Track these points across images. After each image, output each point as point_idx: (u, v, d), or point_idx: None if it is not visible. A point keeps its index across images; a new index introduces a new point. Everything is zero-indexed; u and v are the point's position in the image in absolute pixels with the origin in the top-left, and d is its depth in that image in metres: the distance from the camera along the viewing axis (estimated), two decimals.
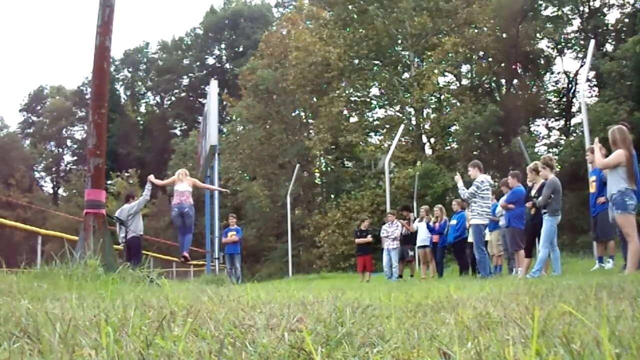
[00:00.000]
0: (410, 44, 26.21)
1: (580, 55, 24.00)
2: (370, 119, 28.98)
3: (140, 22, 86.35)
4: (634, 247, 5.43)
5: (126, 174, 37.49)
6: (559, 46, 25.17)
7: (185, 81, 50.43)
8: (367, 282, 9.70)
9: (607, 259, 7.64)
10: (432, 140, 27.04)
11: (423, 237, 11.31)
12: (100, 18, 5.44)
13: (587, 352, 1.03)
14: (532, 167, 7.69)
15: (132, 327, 1.36)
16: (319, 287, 6.57)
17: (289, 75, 27.37)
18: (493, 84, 27.32)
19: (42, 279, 3.55)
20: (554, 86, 26.73)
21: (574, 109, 25.29)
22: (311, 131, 29.03)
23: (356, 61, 27.55)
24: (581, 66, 23.73)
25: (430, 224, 11.28)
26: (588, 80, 19.44)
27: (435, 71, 25.35)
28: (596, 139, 6.63)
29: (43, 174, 50.89)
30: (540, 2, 23.79)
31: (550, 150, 25.31)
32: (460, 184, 7.89)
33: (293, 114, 31.01)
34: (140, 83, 51.88)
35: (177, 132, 48.44)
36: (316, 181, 32.00)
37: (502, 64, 25.34)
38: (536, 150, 23.31)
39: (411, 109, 26.51)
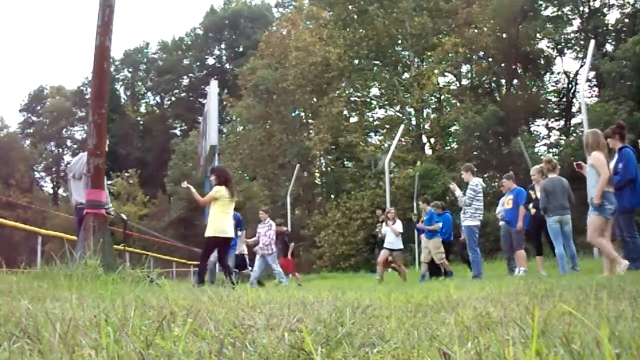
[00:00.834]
0: (410, 44, 26.22)
1: (580, 55, 24.03)
2: (370, 119, 29.00)
3: (140, 22, 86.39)
4: (605, 251, 5.59)
5: (126, 174, 37.49)
6: (559, 46, 25.19)
7: (185, 81, 50.42)
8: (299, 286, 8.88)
9: None
10: (432, 140, 27.04)
11: (390, 239, 10.65)
12: (100, 18, 5.44)
13: (587, 352, 1.03)
14: (539, 169, 7.89)
15: (132, 327, 1.36)
16: (319, 287, 6.57)
17: (289, 75, 27.37)
18: (493, 84, 27.33)
19: (42, 279, 3.55)
20: (554, 86, 26.78)
21: (574, 109, 25.31)
22: (311, 131, 29.03)
23: (356, 61, 27.56)
24: (581, 66, 23.74)
25: (419, 225, 10.95)
26: (588, 80, 19.45)
27: (435, 71, 25.37)
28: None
29: (43, 174, 50.89)
30: (540, 2, 23.81)
31: (550, 150, 25.34)
32: (457, 192, 8.05)
33: (293, 114, 31.01)
34: (140, 83, 51.87)
35: (177, 132, 48.43)
36: (316, 181, 32.01)
37: (502, 64, 25.35)
38: (536, 150, 23.34)
39: (411, 109, 26.51)
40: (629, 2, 22.60)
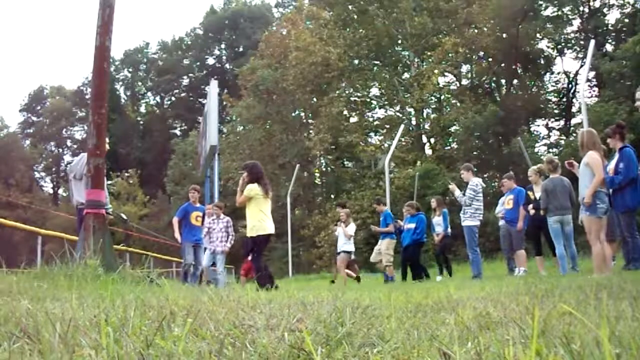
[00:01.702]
0: (410, 44, 26.22)
1: (580, 55, 24.03)
2: (370, 119, 29.00)
3: (140, 22, 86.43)
4: (596, 251, 5.52)
5: (126, 174, 37.50)
6: (559, 46, 25.20)
7: (185, 81, 50.43)
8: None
9: None
10: (432, 140, 27.04)
11: (342, 242, 10.23)
12: (100, 18, 5.44)
13: (587, 352, 1.03)
14: (537, 170, 7.91)
15: (132, 327, 1.36)
16: (319, 287, 6.57)
17: (289, 76, 27.37)
18: (493, 84, 27.33)
19: (42, 279, 3.55)
20: (554, 86, 26.78)
21: (574, 109, 25.32)
22: (311, 131, 29.03)
23: (356, 61, 27.57)
24: (581, 66, 23.75)
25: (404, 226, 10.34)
26: (588, 80, 19.45)
27: (435, 71, 25.36)
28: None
29: (43, 174, 50.90)
30: (540, 2, 23.81)
31: (550, 150, 25.33)
32: (457, 192, 8.08)
33: (293, 114, 31.01)
34: (140, 83, 51.87)
35: (177, 132, 48.44)
36: (316, 181, 32.01)
37: (502, 64, 25.36)
38: (536, 150, 23.33)
39: (411, 109, 26.51)
40: (629, 2, 22.61)
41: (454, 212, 11.75)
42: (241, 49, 46.15)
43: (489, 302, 2.21)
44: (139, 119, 50.10)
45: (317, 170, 31.45)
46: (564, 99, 26.19)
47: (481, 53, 26.18)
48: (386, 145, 24.76)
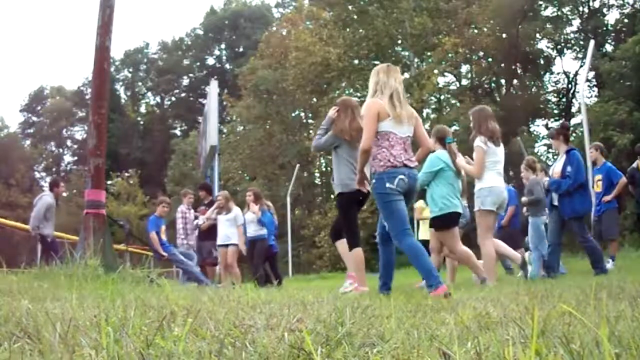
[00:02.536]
0: (410, 44, 26.20)
1: (580, 55, 24.01)
2: None
3: (140, 22, 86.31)
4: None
5: (126, 174, 37.48)
6: (559, 46, 25.18)
7: (186, 81, 50.41)
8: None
9: (607, 259, 7.66)
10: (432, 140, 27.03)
11: (224, 233, 8.29)
12: (101, 18, 5.45)
13: (587, 352, 1.03)
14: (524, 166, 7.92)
15: (132, 327, 1.36)
16: (319, 287, 6.56)
17: (289, 76, 27.36)
18: (493, 84, 27.32)
19: (43, 279, 3.56)
20: (553, 86, 26.76)
21: (573, 109, 25.30)
22: (311, 131, 29.01)
23: (356, 61, 27.54)
24: (581, 66, 23.74)
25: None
26: (588, 80, 19.44)
27: (435, 71, 25.34)
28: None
29: (43, 174, 50.80)
30: (540, 3, 23.80)
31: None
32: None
33: (293, 115, 30.98)
34: (140, 83, 51.84)
35: (177, 132, 48.42)
36: (316, 181, 31.99)
37: (502, 64, 25.35)
38: (536, 150, 23.33)
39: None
40: (628, 2, 22.59)
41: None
42: (241, 49, 46.14)
43: (489, 302, 2.21)
44: (139, 119, 50.08)
45: (317, 171, 31.44)
46: (564, 99, 26.19)
47: (481, 53, 26.16)
48: None
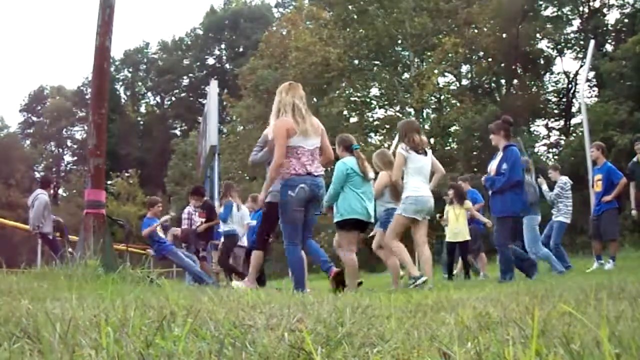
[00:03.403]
0: (410, 44, 26.20)
1: (580, 55, 24.00)
2: (370, 119, 28.98)
3: (140, 22, 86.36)
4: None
5: (126, 174, 37.49)
6: (559, 46, 25.18)
7: (185, 81, 50.40)
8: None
9: (607, 259, 7.67)
10: (432, 140, 27.01)
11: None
12: (101, 18, 5.44)
13: (587, 352, 1.03)
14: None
15: (132, 327, 1.36)
16: (319, 287, 6.56)
17: (289, 76, 27.31)
18: (493, 84, 27.31)
19: (42, 279, 3.56)
20: (554, 86, 26.75)
21: (573, 109, 25.30)
22: None
23: (356, 61, 27.53)
24: (581, 66, 23.73)
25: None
26: (588, 80, 19.45)
27: (435, 71, 25.33)
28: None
29: (43, 174, 50.86)
30: (540, 3, 23.80)
31: (550, 150, 25.34)
32: (544, 187, 8.20)
33: None
34: (140, 83, 51.84)
35: (177, 132, 48.42)
36: None
37: (502, 64, 25.33)
38: (536, 150, 23.33)
39: (411, 109, 26.49)
40: (628, 2, 22.58)
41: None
42: (241, 49, 46.13)
43: (489, 302, 2.21)
44: (139, 119, 50.08)
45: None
46: (564, 99, 26.18)
47: (481, 53, 26.16)
48: (386, 145, 24.74)
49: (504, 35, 24.44)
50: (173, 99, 50.57)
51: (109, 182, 33.42)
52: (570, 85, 25.78)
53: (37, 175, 48.50)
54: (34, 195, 8.69)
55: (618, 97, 18.05)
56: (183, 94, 50.26)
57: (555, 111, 26.45)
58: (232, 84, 37.83)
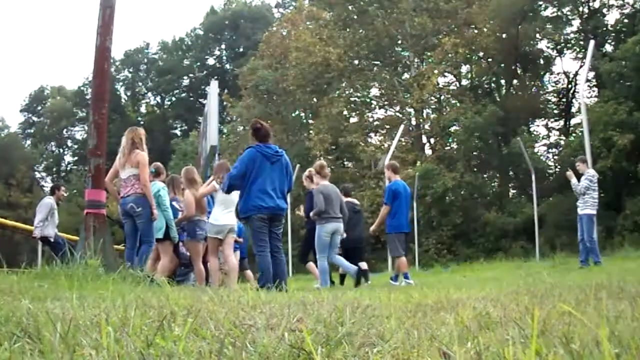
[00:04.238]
0: (410, 44, 26.20)
1: (580, 55, 23.98)
2: (370, 120, 28.97)
3: (141, 22, 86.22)
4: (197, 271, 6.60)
5: None
6: (559, 47, 25.16)
7: (186, 81, 50.35)
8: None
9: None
10: (432, 140, 27.01)
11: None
12: (101, 18, 5.45)
13: (587, 352, 1.03)
14: (307, 175, 7.98)
15: (132, 327, 1.36)
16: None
17: (289, 76, 27.35)
18: (493, 85, 27.30)
19: (43, 279, 3.56)
20: (553, 86, 26.73)
21: (573, 110, 25.29)
22: (311, 131, 29.00)
23: (356, 62, 27.53)
24: (581, 67, 23.71)
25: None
26: (588, 80, 19.44)
27: (435, 72, 25.32)
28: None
29: (44, 174, 50.79)
30: (540, 3, 23.78)
31: (550, 150, 25.33)
32: (573, 180, 8.51)
33: (293, 115, 30.96)
34: (140, 83, 51.80)
35: (178, 132, 48.39)
36: None
37: (502, 65, 25.32)
38: (536, 150, 23.33)
39: (411, 110, 26.49)
40: (628, 3, 22.57)
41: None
42: (241, 50, 46.09)
43: (489, 302, 2.21)
44: (139, 119, 49.98)
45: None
46: (564, 99, 26.16)
47: (481, 53, 26.14)
48: (386, 145, 24.75)
49: (504, 36, 24.43)
50: (173, 99, 50.53)
51: None
52: (570, 86, 25.77)
53: (38, 175, 48.56)
54: (40, 201, 9.23)
55: (618, 97, 18.04)
56: (183, 94, 50.22)
57: (555, 111, 26.43)
58: (232, 84, 37.82)
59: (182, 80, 50.23)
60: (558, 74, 26.27)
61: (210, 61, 50.42)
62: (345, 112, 27.98)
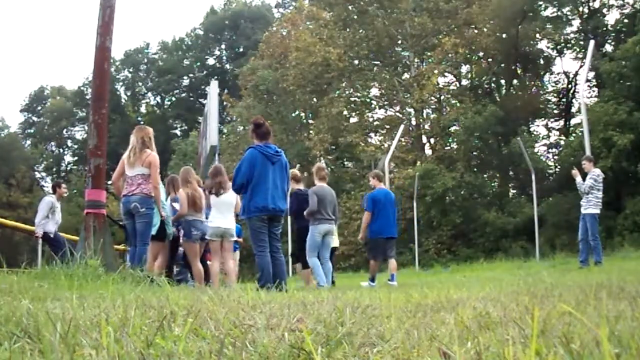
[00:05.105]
0: (410, 44, 26.20)
1: (580, 55, 23.99)
2: (370, 120, 28.98)
3: (141, 22, 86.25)
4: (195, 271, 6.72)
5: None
6: (559, 46, 25.16)
7: (186, 81, 50.35)
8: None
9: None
10: (432, 140, 27.02)
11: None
12: (101, 18, 5.45)
13: (587, 352, 1.03)
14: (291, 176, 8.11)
15: (132, 327, 1.36)
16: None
17: (289, 76, 27.35)
18: (493, 85, 27.31)
19: (43, 279, 3.56)
20: (553, 86, 26.74)
21: (573, 110, 25.29)
22: (311, 131, 29.01)
23: (356, 62, 27.53)
24: (581, 67, 23.72)
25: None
26: (588, 80, 19.46)
27: (435, 72, 25.34)
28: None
29: (44, 174, 50.79)
30: (540, 3, 23.78)
31: (550, 150, 25.33)
32: (578, 179, 8.56)
33: (293, 115, 30.96)
34: (140, 83, 51.80)
35: (178, 132, 48.39)
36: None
37: (502, 65, 25.33)
38: (536, 150, 23.33)
39: (411, 110, 26.49)
40: (628, 3, 22.57)
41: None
42: (241, 50, 46.10)
43: (489, 302, 2.21)
44: (139, 119, 49.98)
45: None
46: (564, 99, 26.17)
47: (481, 53, 26.15)
48: (386, 145, 24.75)
49: (504, 36, 24.43)
50: (173, 99, 50.52)
51: (109, 182, 33.33)
52: (570, 86, 25.78)
53: (38, 175, 48.57)
54: (40, 200, 9.26)
55: (618, 97, 18.04)
56: (183, 94, 50.21)
57: (555, 111, 26.44)
58: (232, 84, 37.84)
59: (182, 80, 50.23)
60: (558, 74, 26.31)
61: (210, 61, 50.43)
62: (345, 112, 27.98)
